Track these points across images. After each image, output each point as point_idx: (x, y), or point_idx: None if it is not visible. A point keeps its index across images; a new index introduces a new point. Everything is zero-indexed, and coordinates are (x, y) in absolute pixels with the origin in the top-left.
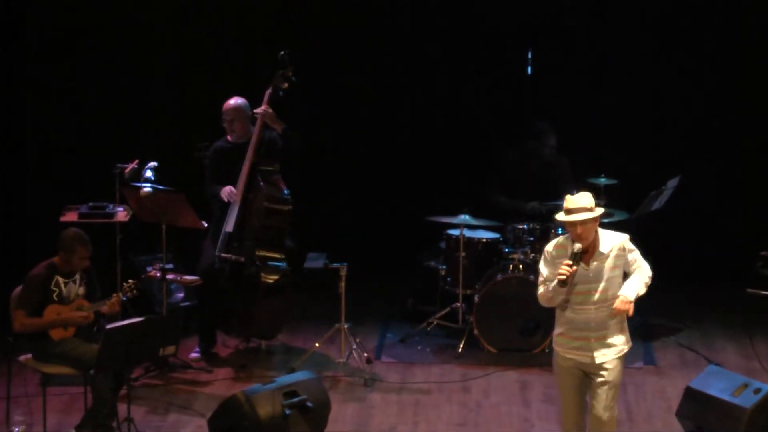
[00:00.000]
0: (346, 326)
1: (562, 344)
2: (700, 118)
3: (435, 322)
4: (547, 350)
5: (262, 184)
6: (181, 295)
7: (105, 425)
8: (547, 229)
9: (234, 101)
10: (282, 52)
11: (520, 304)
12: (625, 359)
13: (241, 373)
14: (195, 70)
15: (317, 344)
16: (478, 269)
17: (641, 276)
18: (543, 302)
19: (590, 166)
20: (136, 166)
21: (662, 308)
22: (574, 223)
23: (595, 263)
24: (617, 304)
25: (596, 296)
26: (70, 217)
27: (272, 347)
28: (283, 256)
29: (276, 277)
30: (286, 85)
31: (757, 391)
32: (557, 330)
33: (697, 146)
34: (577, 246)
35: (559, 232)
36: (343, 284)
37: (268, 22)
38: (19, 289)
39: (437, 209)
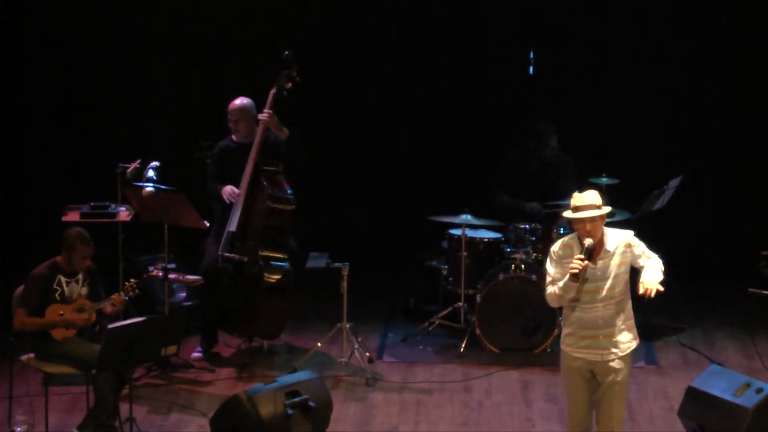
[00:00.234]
0: (347, 326)
1: (571, 344)
2: (701, 118)
3: (437, 322)
4: (549, 350)
5: (265, 184)
6: (183, 294)
7: (107, 425)
8: (548, 229)
9: (239, 101)
10: (286, 52)
11: (522, 304)
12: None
13: (243, 372)
14: (197, 69)
15: (319, 344)
16: (480, 269)
17: (655, 263)
18: (552, 302)
19: (592, 165)
20: (138, 166)
21: (664, 308)
22: (582, 221)
23: (601, 261)
24: (645, 288)
25: (603, 294)
26: (72, 216)
27: (274, 347)
28: (285, 256)
29: (278, 277)
30: (290, 84)
31: (759, 390)
32: (565, 330)
33: (698, 146)
34: (588, 241)
35: (561, 231)
36: (345, 284)
37: (269, 22)
38: (21, 288)
39: (439, 209)
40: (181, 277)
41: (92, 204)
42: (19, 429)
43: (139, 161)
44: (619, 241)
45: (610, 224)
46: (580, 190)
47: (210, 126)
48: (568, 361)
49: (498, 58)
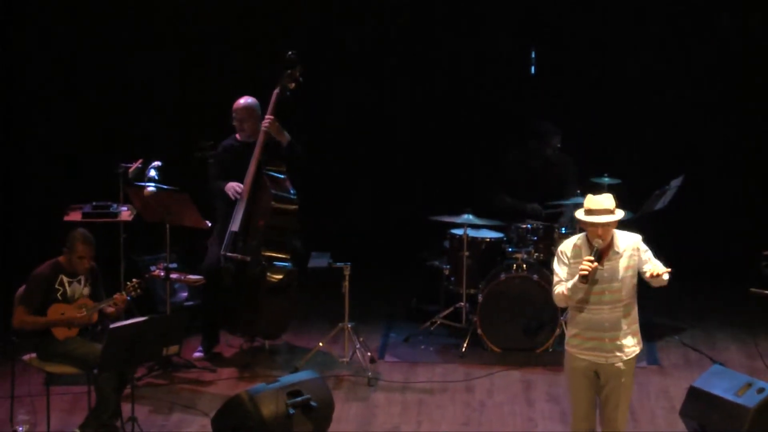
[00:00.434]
0: (349, 326)
1: (576, 345)
2: (702, 118)
3: (438, 322)
4: (550, 350)
5: (268, 183)
6: (185, 294)
7: (109, 425)
8: (550, 228)
9: (244, 100)
10: (289, 52)
11: (524, 304)
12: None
13: (245, 372)
14: (198, 69)
15: (321, 344)
16: (481, 269)
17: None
18: (559, 303)
19: (593, 165)
20: (140, 166)
21: (666, 308)
22: (597, 225)
23: (609, 263)
24: (651, 270)
25: (610, 296)
26: (74, 216)
27: (276, 347)
28: (288, 256)
29: (280, 277)
30: (293, 85)
31: (761, 390)
32: (571, 331)
33: (700, 145)
34: (598, 242)
35: (563, 231)
36: (346, 284)
37: (270, 21)
38: (23, 287)
39: (440, 209)
40: (182, 277)
41: (94, 204)
42: (20, 429)
43: (140, 161)
44: (628, 244)
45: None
46: (582, 191)
47: (211, 126)
48: (573, 362)
49: (499, 58)
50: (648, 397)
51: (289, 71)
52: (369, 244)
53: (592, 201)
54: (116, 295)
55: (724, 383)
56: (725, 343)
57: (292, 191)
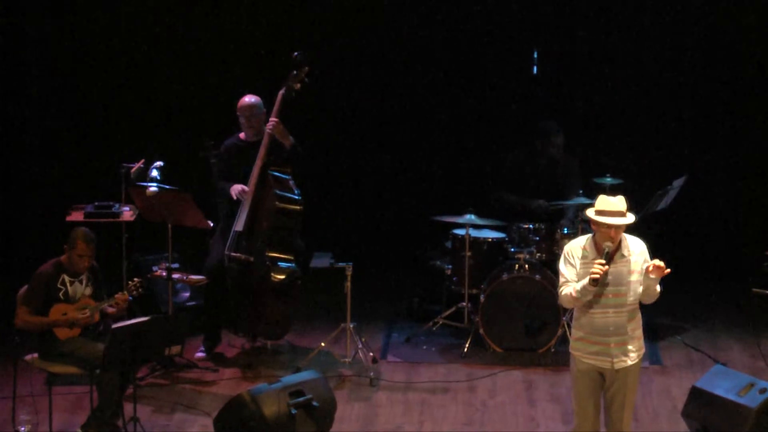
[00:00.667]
0: (351, 326)
1: (581, 349)
2: (706, 118)
3: (441, 322)
4: (552, 350)
5: (273, 184)
6: (187, 294)
7: (111, 424)
8: (552, 228)
9: (249, 99)
10: (296, 53)
11: (526, 304)
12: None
13: (247, 372)
14: (200, 69)
15: (323, 344)
16: (483, 269)
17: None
18: (566, 304)
19: (596, 165)
20: (142, 166)
21: (668, 308)
22: (610, 226)
23: (616, 266)
24: (652, 264)
25: (616, 300)
26: (76, 216)
27: (278, 347)
28: (292, 257)
29: (283, 277)
30: (299, 85)
31: (763, 390)
32: (575, 334)
33: (703, 145)
34: (608, 245)
35: (565, 231)
36: (348, 284)
37: (274, 22)
38: (25, 287)
39: (443, 209)
40: (184, 277)
41: (96, 204)
42: (23, 429)
43: (142, 161)
44: (635, 249)
45: None
46: (583, 191)
47: (214, 126)
48: (578, 365)
49: (502, 57)
50: (650, 397)
51: (295, 72)
52: (371, 244)
53: (606, 202)
54: (118, 295)
55: (726, 383)
56: (727, 344)
57: (296, 192)
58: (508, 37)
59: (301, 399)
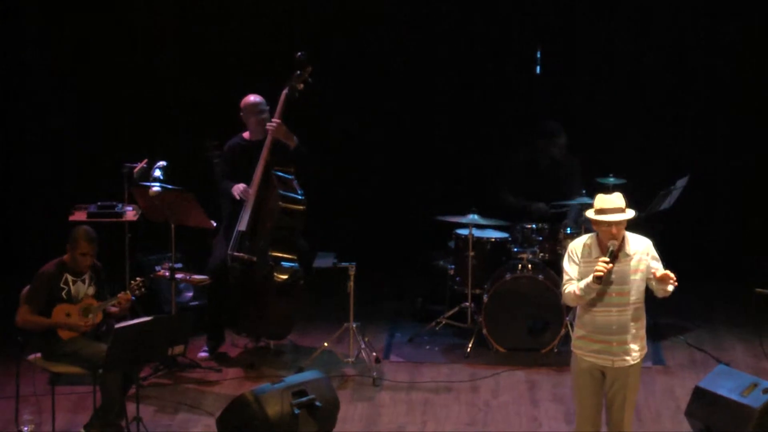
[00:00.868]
0: (354, 325)
1: (582, 347)
2: (708, 117)
3: (444, 322)
4: (555, 350)
5: (276, 184)
6: (190, 294)
7: (114, 424)
8: (555, 228)
9: (252, 98)
10: (299, 53)
11: (529, 304)
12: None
13: (250, 372)
14: (203, 69)
15: (326, 343)
16: (486, 269)
17: None
18: (569, 302)
19: (599, 165)
20: (145, 166)
21: (671, 308)
22: (609, 223)
23: (619, 265)
24: (662, 273)
25: (619, 298)
26: (79, 216)
27: (281, 346)
28: (295, 257)
29: (286, 276)
30: (302, 86)
31: (766, 390)
32: (578, 332)
33: (706, 145)
34: (613, 243)
35: (568, 231)
36: (351, 283)
37: (276, 22)
38: (28, 286)
39: (446, 209)
40: (187, 277)
41: (99, 204)
42: (25, 428)
43: (145, 161)
44: (639, 247)
45: None
46: (587, 191)
47: (216, 125)
48: (579, 363)
49: (505, 57)
50: (653, 397)
51: (298, 72)
52: (374, 244)
53: (603, 200)
54: (120, 294)
55: (729, 383)
56: (731, 344)
57: (299, 192)
58: (511, 37)
59: (304, 399)
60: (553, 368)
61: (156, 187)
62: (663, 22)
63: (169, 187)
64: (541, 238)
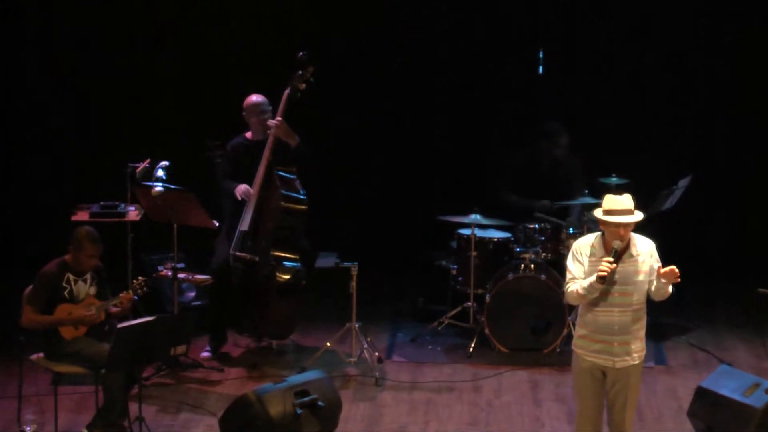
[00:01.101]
0: (356, 325)
1: (583, 347)
2: (711, 117)
3: (446, 322)
4: (558, 350)
5: (278, 184)
6: (193, 294)
7: (116, 424)
8: (558, 228)
9: (255, 98)
10: (301, 53)
11: (532, 304)
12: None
13: (253, 372)
14: (206, 68)
15: (328, 343)
16: (489, 269)
17: None
18: (571, 300)
19: (601, 165)
20: (147, 165)
21: (673, 308)
22: (619, 225)
23: (623, 265)
24: (670, 269)
25: (621, 299)
26: (82, 216)
27: (283, 346)
28: (297, 257)
29: (289, 276)
30: (304, 86)
31: None
32: (579, 332)
33: (708, 145)
34: (617, 243)
35: (571, 231)
36: (354, 283)
37: (278, 22)
38: (30, 287)
39: (448, 208)
40: (190, 277)
41: (102, 203)
42: (28, 428)
43: (148, 161)
44: (643, 249)
45: None
46: (589, 191)
47: (219, 125)
48: (580, 363)
49: (507, 57)
50: (655, 397)
51: (300, 72)
52: (376, 244)
53: (613, 201)
54: (122, 294)
55: (731, 383)
56: (733, 344)
57: (301, 192)
58: (513, 37)
59: (306, 399)
60: (556, 368)
61: (158, 187)
62: (664, 22)
63: (172, 187)
64: (543, 238)
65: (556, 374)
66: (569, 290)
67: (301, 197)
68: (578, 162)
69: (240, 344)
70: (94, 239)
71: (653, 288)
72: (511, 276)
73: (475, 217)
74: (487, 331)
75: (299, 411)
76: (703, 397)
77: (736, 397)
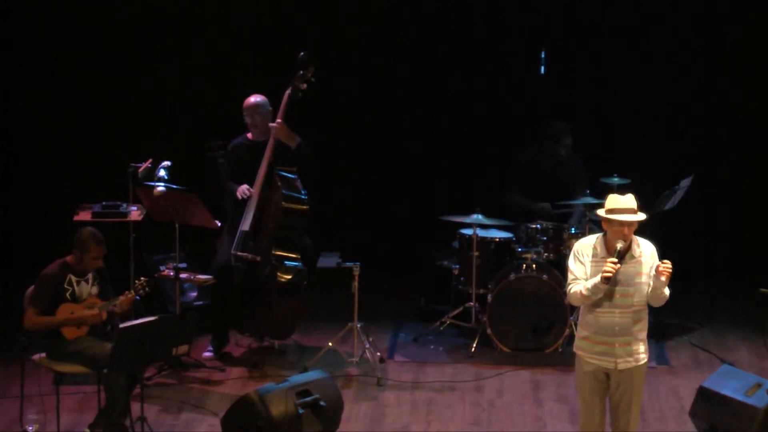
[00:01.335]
0: (358, 325)
1: (585, 348)
2: (713, 117)
3: (448, 322)
4: (560, 350)
5: (279, 184)
6: (195, 294)
7: (118, 424)
8: (560, 228)
9: (254, 98)
10: (301, 53)
11: (533, 304)
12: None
13: (255, 372)
14: (208, 68)
15: (330, 343)
16: (491, 269)
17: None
18: (574, 301)
19: (603, 165)
20: (149, 165)
21: (675, 308)
22: (623, 224)
23: (624, 266)
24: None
25: (623, 300)
26: (84, 216)
27: (285, 346)
28: (299, 256)
29: (290, 276)
30: (305, 86)
31: None
32: (581, 333)
33: (710, 145)
34: (621, 243)
35: (573, 231)
36: (356, 283)
37: (280, 22)
38: (32, 287)
39: (450, 208)
40: (192, 277)
41: (104, 203)
42: (30, 428)
43: (150, 161)
44: (645, 251)
45: None
46: (591, 191)
47: (222, 126)
48: (582, 366)
49: (510, 57)
50: (657, 398)
51: (301, 72)
52: (378, 243)
53: (617, 200)
54: (122, 297)
55: (733, 383)
56: (735, 344)
57: (303, 192)
58: (515, 37)
59: (308, 399)
60: (558, 368)
61: (160, 187)
62: (664, 22)
63: (174, 187)
64: (545, 238)
65: (558, 374)
66: (572, 291)
67: (303, 197)
68: (580, 162)
69: (242, 344)
70: (99, 240)
71: (650, 291)
72: (513, 276)
73: (477, 217)
74: (489, 331)
75: (301, 411)
76: (705, 397)
77: (738, 397)
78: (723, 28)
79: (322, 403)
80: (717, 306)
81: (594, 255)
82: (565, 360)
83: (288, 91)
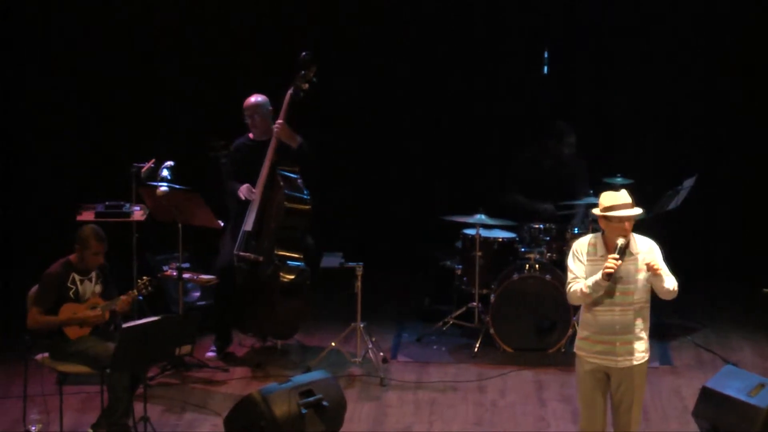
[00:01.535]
0: (361, 325)
1: (585, 348)
2: (716, 117)
3: (451, 322)
4: (563, 350)
5: (282, 184)
6: (198, 294)
7: (121, 424)
8: (563, 228)
9: (254, 98)
10: (303, 53)
11: (536, 304)
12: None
13: (258, 372)
14: (211, 68)
15: (333, 343)
16: (494, 269)
17: (670, 278)
18: (575, 301)
19: (606, 165)
20: (152, 165)
21: (678, 308)
22: (622, 219)
23: (624, 264)
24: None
25: (623, 297)
26: (87, 216)
27: (288, 346)
28: (301, 256)
29: (293, 276)
30: (307, 86)
31: None
32: (581, 333)
33: (713, 145)
34: (622, 240)
35: (576, 231)
36: (359, 283)
37: (282, 22)
38: (35, 287)
39: (453, 208)
40: (195, 277)
41: (107, 203)
42: (33, 428)
43: (153, 161)
44: (643, 247)
45: None
46: (594, 191)
47: (224, 125)
48: (583, 365)
49: (512, 57)
50: (660, 398)
51: (303, 72)
52: (381, 243)
53: (613, 197)
54: (122, 297)
55: (736, 384)
56: (738, 344)
57: (305, 191)
58: (515, 37)
59: (311, 399)
60: (561, 368)
61: (163, 187)
62: (665, 22)
63: (177, 187)
64: (548, 238)
65: (561, 374)
66: (572, 290)
67: (305, 197)
68: (582, 162)
69: (245, 344)
70: (100, 237)
71: (654, 285)
72: (516, 276)
73: (480, 217)
74: (492, 331)
75: (304, 411)
76: (708, 398)
77: (742, 397)
78: (723, 28)
79: (325, 403)
80: (720, 306)
81: (592, 253)
82: (568, 360)
83: (290, 92)
